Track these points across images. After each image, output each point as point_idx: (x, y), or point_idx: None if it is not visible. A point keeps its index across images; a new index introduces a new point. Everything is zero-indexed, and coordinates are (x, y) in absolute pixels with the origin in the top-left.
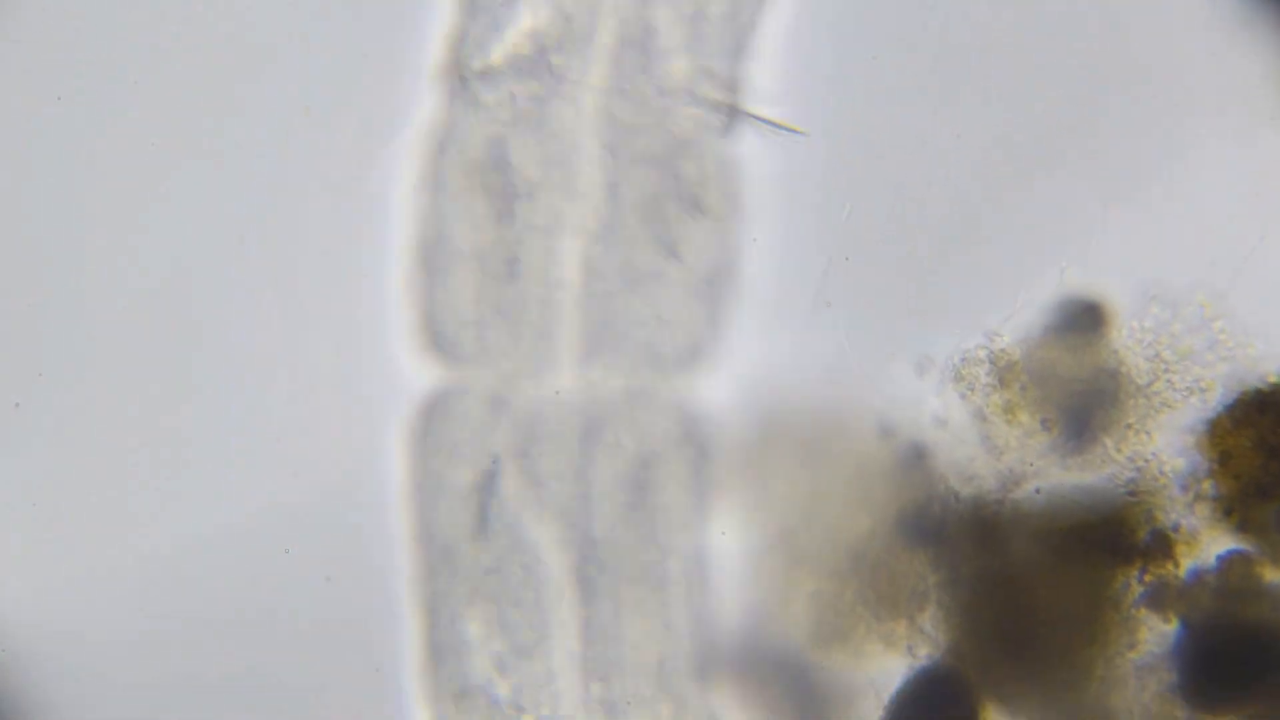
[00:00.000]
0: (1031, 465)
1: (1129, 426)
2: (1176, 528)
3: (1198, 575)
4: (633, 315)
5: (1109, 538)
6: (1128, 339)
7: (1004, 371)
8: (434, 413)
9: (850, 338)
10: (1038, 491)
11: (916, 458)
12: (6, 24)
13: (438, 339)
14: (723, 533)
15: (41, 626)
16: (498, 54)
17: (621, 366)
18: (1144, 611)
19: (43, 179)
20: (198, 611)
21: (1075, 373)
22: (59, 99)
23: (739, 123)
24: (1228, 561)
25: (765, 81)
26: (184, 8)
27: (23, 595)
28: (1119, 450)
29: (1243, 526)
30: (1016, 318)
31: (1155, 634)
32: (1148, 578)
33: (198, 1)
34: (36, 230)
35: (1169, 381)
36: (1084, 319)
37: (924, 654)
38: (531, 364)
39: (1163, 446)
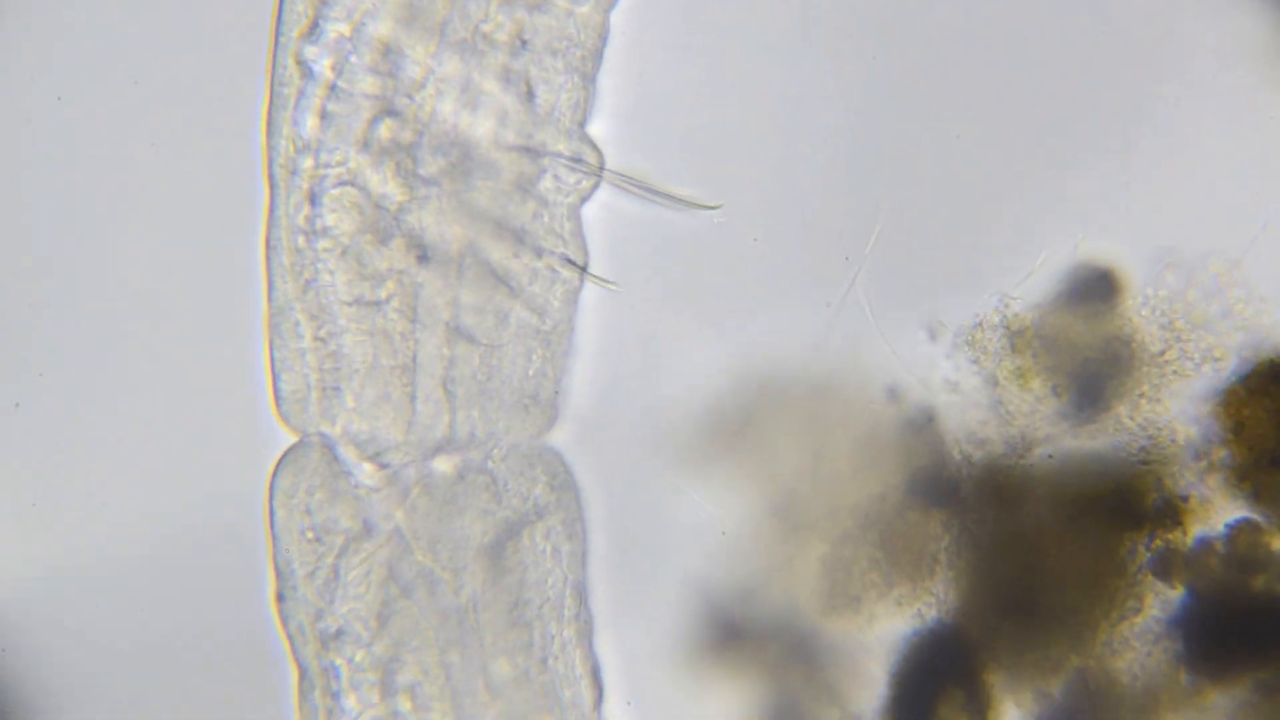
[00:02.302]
0: (1043, 431)
1: (1142, 394)
2: (1186, 496)
3: (1206, 543)
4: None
5: (1118, 503)
6: (1141, 306)
7: (1016, 337)
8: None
9: (862, 300)
10: (1049, 457)
11: (926, 422)
12: (6, 24)
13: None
14: (724, 532)
15: (38, 618)
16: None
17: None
18: (1150, 577)
19: (43, 179)
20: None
21: (1088, 340)
22: (59, 99)
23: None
24: (1236, 530)
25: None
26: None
27: (21, 588)
28: (1131, 418)
29: (1256, 495)
30: (1030, 283)
31: (1161, 600)
32: (1156, 544)
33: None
34: (36, 230)
35: (1182, 350)
36: (1098, 286)
37: (933, 616)
38: (399, 423)
39: (1175, 415)
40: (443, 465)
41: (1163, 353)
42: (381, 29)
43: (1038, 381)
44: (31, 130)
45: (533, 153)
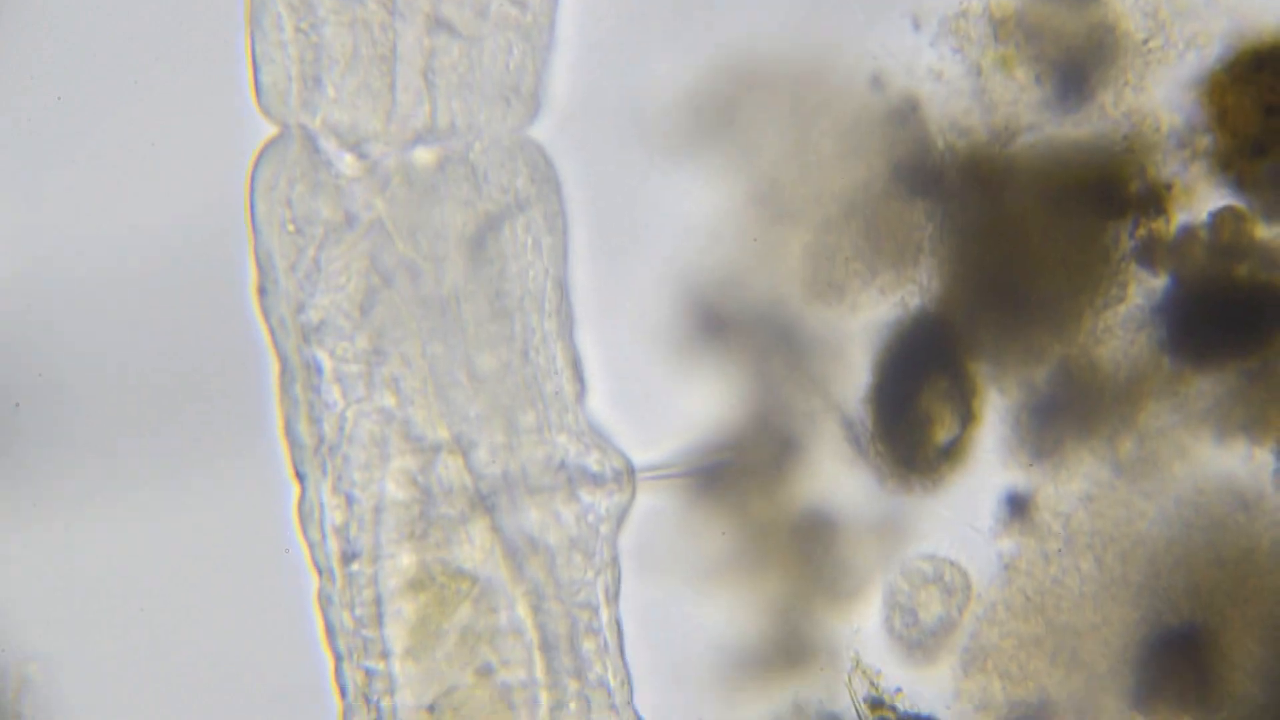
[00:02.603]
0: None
1: (1125, 82)
2: (1170, 184)
3: (1189, 230)
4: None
5: (1102, 190)
6: None
7: (1000, 26)
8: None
9: None
10: (1032, 145)
11: (910, 110)
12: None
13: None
14: (723, 533)
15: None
16: None
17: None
18: (1134, 265)
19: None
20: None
21: (1072, 27)
22: (59, 99)
23: None
24: (1219, 216)
25: None
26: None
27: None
28: (1115, 105)
29: (1239, 183)
30: None
31: (1145, 288)
32: (1139, 231)
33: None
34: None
35: (1166, 37)
36: None
37: (917, 304)
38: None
39: (1159, 102)
40: (423, 156)
41: (1146, 40)
42: None
43: (1021, 70)
44: (32, 129)
45: None
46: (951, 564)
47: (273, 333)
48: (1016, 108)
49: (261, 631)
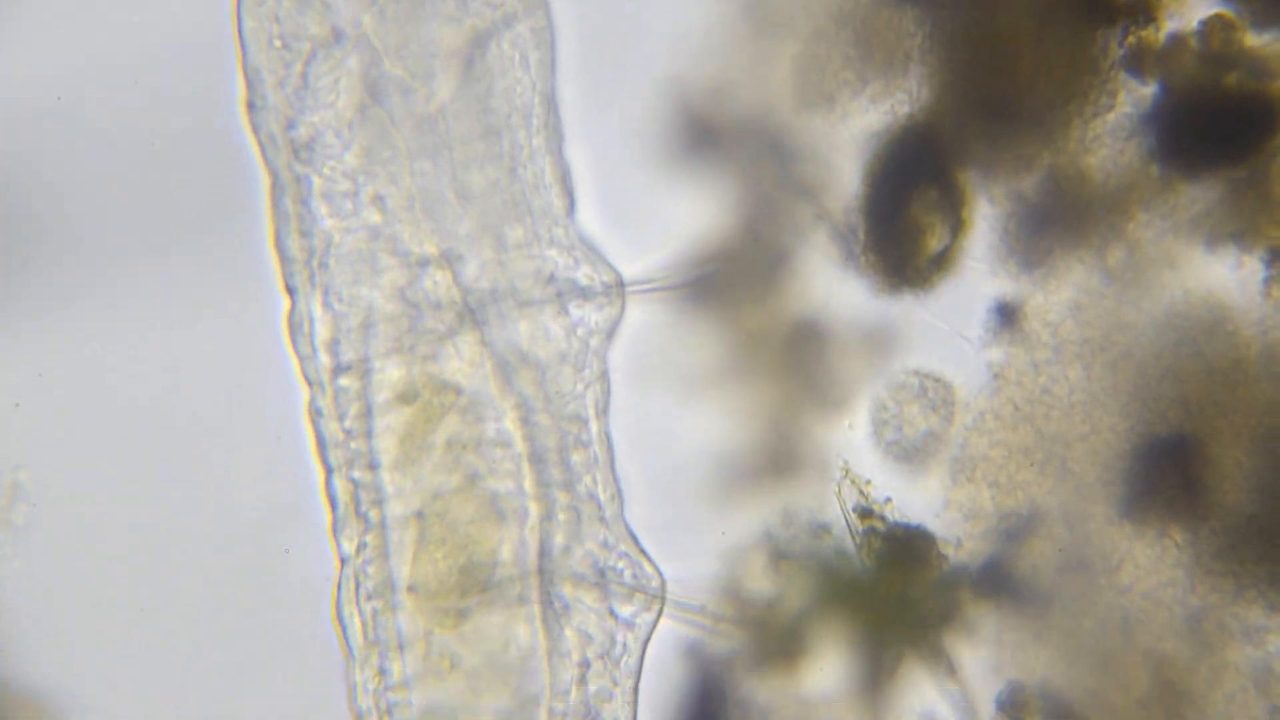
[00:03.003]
0: None
1: None
2: None
3: (1178, 38)
4: None
5: None
6: None
7: None
8: None
9: None
10: None
11: None
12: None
13: None
14: (723, 533)
15: None
16: None
17: None
18: (1123, 73)
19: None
20: None
21: None
22: (59, 99)
23: None
24: (1209, 24)
25: None
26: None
27: None
28: None
29: None
30: None
31: (1134, 96)
32: (1129, 39)
33: None
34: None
35: None
36: None
37: (906, 113)
38: None
39: None
40: None
41: None
42: None
43: None
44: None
45: None
46: (935, 379)
47: (263, 149)
48: None
49: (252, 444)
